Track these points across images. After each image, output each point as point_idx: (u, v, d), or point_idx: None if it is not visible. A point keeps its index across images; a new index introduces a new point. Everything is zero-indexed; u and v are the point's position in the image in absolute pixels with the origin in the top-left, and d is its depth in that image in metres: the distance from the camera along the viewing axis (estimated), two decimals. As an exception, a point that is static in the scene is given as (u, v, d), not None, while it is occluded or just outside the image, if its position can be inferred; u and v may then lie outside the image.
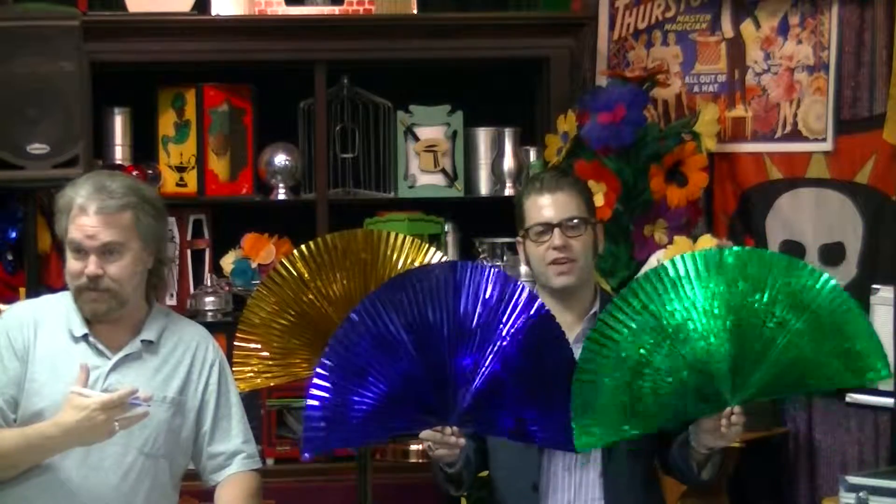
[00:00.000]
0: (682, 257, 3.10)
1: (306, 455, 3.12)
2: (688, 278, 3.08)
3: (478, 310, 3.14)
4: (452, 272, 3.16)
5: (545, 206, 3.37)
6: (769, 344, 3.08)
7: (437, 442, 3.17)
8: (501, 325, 3.15)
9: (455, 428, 3.16)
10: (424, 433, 3.17)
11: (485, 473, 3.46)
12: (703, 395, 3.10)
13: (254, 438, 3.38)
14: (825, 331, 3.09)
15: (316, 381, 3.11)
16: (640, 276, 3.16)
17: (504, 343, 3.14)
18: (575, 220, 3.35)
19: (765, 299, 3.08)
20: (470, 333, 3.13)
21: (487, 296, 3.14)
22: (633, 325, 3.09)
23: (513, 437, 3.23)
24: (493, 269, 3.18)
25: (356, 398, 3.11)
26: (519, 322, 3.15)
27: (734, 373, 3.08)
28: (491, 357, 3.14)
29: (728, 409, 3.10)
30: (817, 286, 3.09)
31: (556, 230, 3.34)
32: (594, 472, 3.33)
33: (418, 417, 3.16)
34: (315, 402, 3.10)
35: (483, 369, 3.14)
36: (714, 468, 3.30)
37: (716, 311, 3.07)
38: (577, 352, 3.18)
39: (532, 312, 3.16)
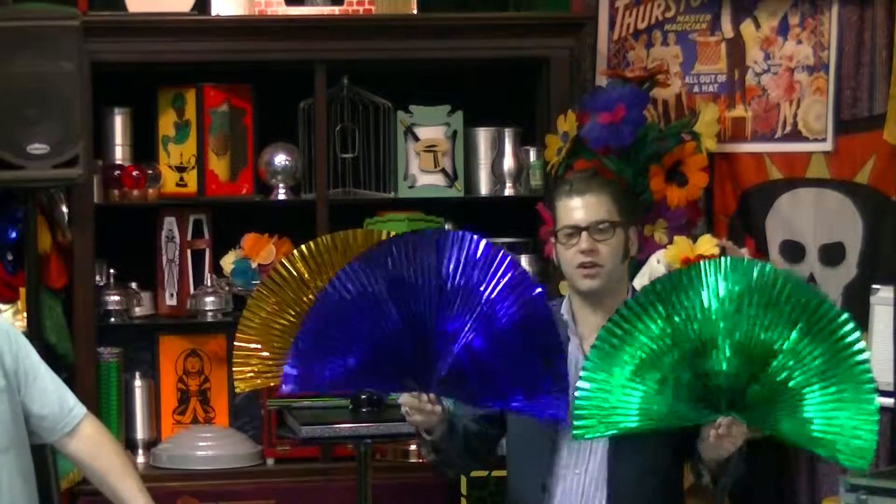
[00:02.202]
0: (717, 272, 3.11)
1: (284, 387, 3.22)
2: (717, 295, 3.10)
3: (459, 272, 3.18)
4: (435, 236, 3.22)
5: (575, 209, 3.35)
6: (774, 374, 3.10)
7: (414, 408, 3.22)
8: (482, 290, 3.18)
9: (432, 395, 3.21)
10: (402, 398, 3.24)
11: (484, 474, 3.47)
12: (703, 403, 3.12)
13: None
14: (830, 389, 3.10)
15: (304, 324, 3.24)
16: (666, 279, 3.17)
17: (485, 309, 3.18)
18: (603, 224, 3.32)
19: (782, 338, 3.09)
20: (451, 297, 3.17)
21: (469, 258, 3.18)
22: (652, 327, 3.11)
23: (493, 407, 3.31)
24: (476, 237, 3.21)
25: (339, 344, 3.20)
26: (502, 291, 3.19)
27: (732, 388, 3.10)
28: (471, 324, 3.18)
29: (718, 420, 3.11)
30: (848, 349, 3.09)
31: (584, 234, 3.32)
32: (601, 478, 3.31)
33: (399, 379, 3.22)
34: (300, 343, 3.23)
35: (463, 337, 3.18)
36: (730, 478, 3.30)
37: (733, 330, 3.09)
38: None
39: (517, 285, 3.20)
